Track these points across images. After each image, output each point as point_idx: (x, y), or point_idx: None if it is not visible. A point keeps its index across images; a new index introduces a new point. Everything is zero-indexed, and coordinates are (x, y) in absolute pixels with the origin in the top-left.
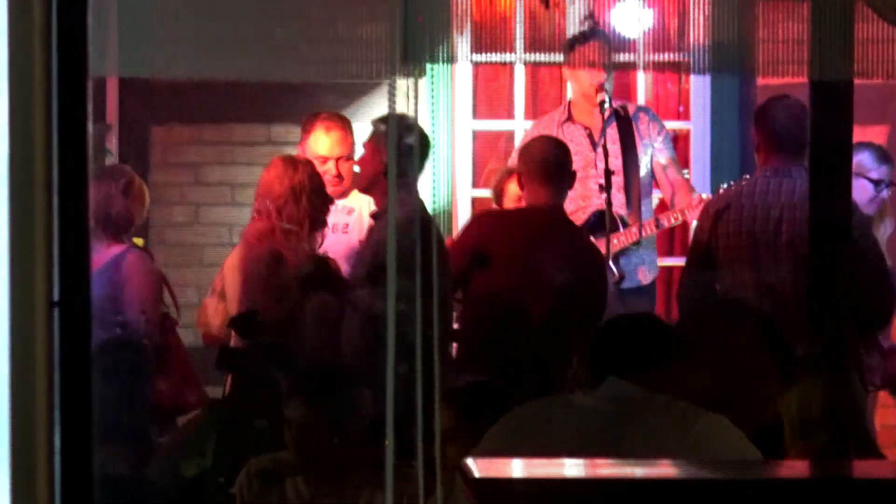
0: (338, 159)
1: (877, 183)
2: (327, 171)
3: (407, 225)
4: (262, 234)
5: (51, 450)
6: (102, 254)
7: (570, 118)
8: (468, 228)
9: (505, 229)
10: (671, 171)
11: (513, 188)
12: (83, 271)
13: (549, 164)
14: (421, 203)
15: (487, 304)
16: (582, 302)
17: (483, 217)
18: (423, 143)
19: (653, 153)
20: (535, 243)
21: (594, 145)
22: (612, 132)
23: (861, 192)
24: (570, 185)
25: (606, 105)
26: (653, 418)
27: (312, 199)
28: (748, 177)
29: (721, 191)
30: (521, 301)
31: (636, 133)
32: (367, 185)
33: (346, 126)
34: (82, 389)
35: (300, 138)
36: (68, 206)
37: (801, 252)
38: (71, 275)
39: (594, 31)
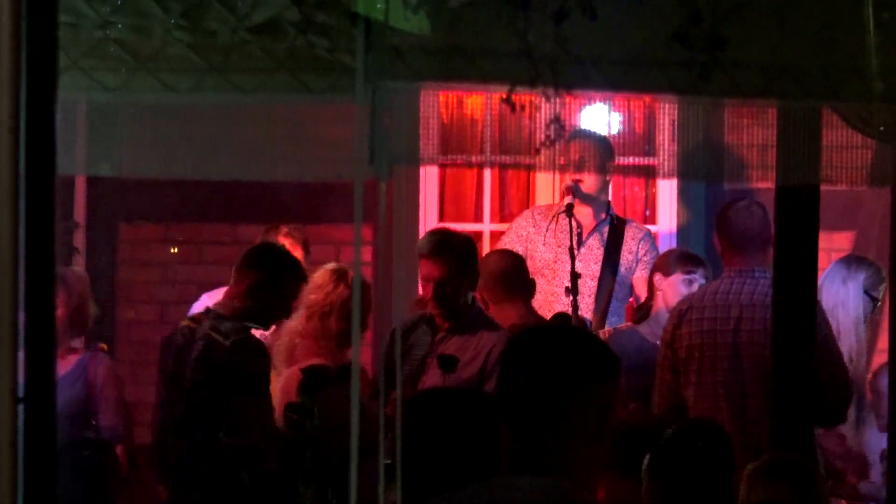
0: None
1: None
2: None
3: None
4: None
5: None
6: (65, 354)
7: (566, 211)
8: None
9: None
10: (645, 290)
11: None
12: (48, 368)
13: (508, 276)
14: None
15: None
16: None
17: None
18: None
19: (635, 268)
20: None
21: (579, 245)
22: (602, 239)
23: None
24: (532, 294)
25: (573, 208)
26: None
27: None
28: (713, 280)
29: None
30: None
31: (625, 245)
32: None
33: (303, 240)
34: (46, 487)
35: None
36: (34, 305)
37: (759, 351)
38: (36, 372)
39: (577, 130)
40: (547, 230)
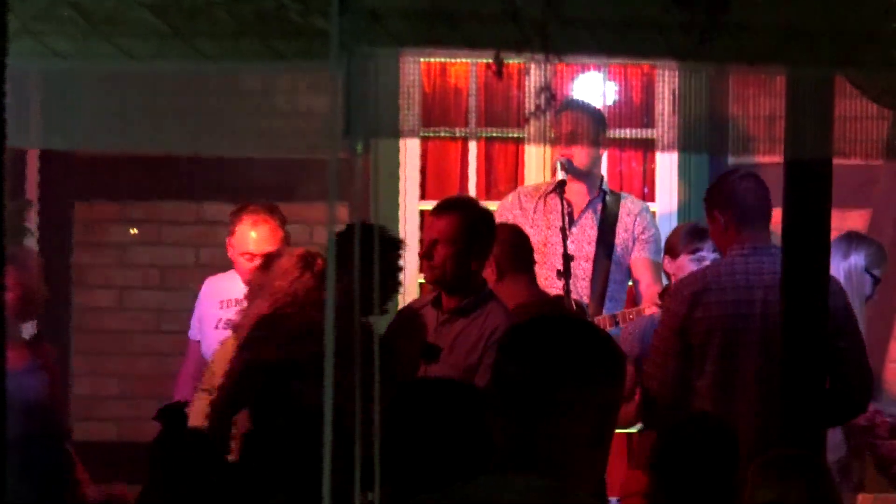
0: (268, 256)
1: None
2: None
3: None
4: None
5: None
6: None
7: (556, 189)
8: None
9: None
10: (646, 274)
11: None
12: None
13: (518, 249)
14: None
15: None
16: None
17: None
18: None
19: (632, 247)
20: None
21: (571, 224)
22: (595, 217)
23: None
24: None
25: (564, 185)
26: None
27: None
28: (720, 258)
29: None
30: None
31: (620, 222)
32: None
33: (275, 217)
34: None
35: (229, 231)
36: None
37: None
38: None
39: (567, 100)
40: (535, 211)
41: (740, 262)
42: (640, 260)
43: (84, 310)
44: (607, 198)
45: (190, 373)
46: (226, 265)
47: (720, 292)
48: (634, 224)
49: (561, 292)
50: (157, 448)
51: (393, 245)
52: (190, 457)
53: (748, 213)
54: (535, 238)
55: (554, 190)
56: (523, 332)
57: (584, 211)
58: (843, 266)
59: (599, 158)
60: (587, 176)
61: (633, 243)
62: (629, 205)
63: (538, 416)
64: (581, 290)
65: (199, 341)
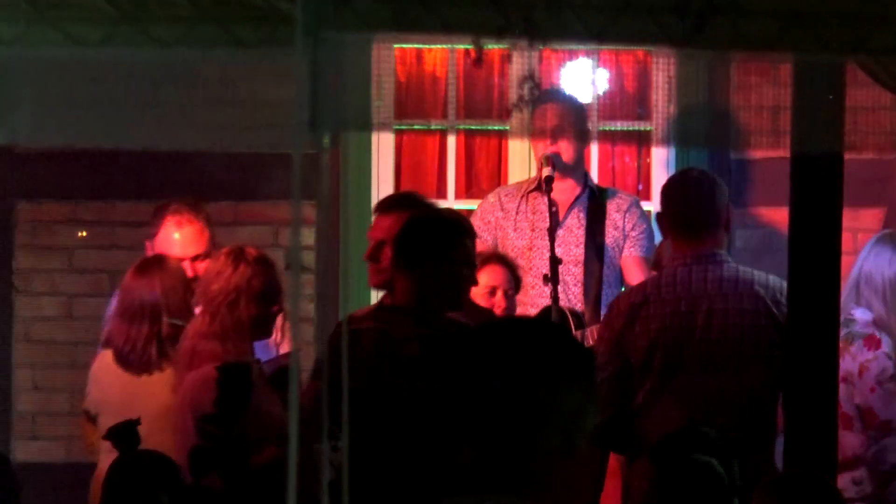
0: (193, 259)
1: None
2: None
3: None
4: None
5: None
6: None
7: (539, 188)
8: None
9: None
10: (638, 273)
11: (483, 279)
12: None
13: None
14: None
15: None
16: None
17: None
18: None
19: (623, 245)
20: None
21: (556, 224)
22: (581, 216)
23: None
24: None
25: (552, 181)
26: None
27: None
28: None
29: (630, 286)
30: None
31: (608, 219)
32: None
33: (202, 217)
34: None
35: (148, 233)
36: None
37: (738, 349)
38: None
39: (550, 93)
40: (517, 212)
41: (683, 271)
42: (630, 258)
43: (28, 319)
44: (594, 194)
45: None
46: None
47: (660, 304)
48: (624, 220)
49: (549, 300)
50: (114, 470)
51: (462, 231)
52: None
53: (688, 220)
54: (519, 242)
55: (537, 188)
56: (474, 340)
57: (569, 210)
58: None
59: (584, 153)
60: (573, 172)
61: (624, 241)
62: (617, 200)
63: (499, 426)
64: (573, 297)
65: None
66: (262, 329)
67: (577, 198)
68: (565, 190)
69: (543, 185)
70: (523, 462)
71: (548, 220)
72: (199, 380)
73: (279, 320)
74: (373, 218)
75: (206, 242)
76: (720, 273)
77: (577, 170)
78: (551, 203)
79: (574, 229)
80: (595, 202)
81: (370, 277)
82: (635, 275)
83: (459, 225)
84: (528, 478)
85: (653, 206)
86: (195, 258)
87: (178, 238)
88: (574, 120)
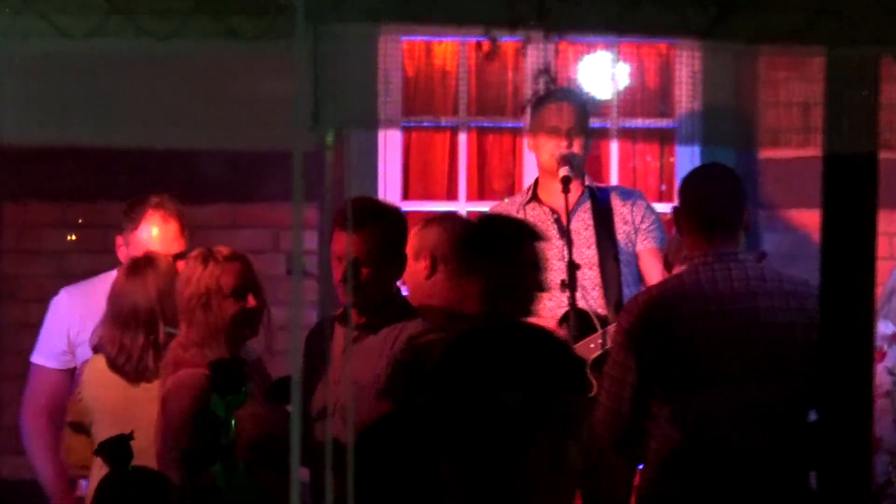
0: (175, 258)
1: None
2: None
3: None
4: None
5: None
6: None
7: (535, 198)
8: None
9: None
10: (655, 265)
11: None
12: None
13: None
14: None
15: None
16: None
17: None
18: None
19: (636, 239)
20: None
21: (562, 231)
22: (586, 217)
23: None
24: None
25: (570, 181)
26: None
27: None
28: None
29: (647, 287)
30: None
31: (616, 214)
32: None
33: (180, 214)
34: None
35: (123, 228)
36: None
37: (778, 353)
38: None
39: (561, 91)
40: None
41: (706, 271)
42: (646, 251)
43: (15, 327)
44: (595, 193)
45: (40, 407)
46: None
47: (686, 305)
48: (633, 213)
49: (567, 308)
50: (104, 488)
51: (531, 236)
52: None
53: (712, 217)
54: None
55: (533, 198)
56: (462, 346)
57: (573, 212)
58: None
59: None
60: (580, 173)
61: (636, 234)
62: (620, 195)
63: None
64: (593, 301)
65: (55, 368)
66: (243, 328)
67: (579, 199)
68: (570, 192)
69: (561, 186)
70: (523, 479)
71: (552, 227)
72: (177, 383)
73: (265, 318)
74: (337, 233)
75: (186, 239)
76: (747, 272)
77: (582, 170)
78: (551, 210)
79: (582, 231)
80: (597, 200)
81: (340, 296)
82: (654, 267)
83: (526, 227)
84: (528, 495)
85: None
86: (177, 256)
87: (159, 235)
88: (587, 119)
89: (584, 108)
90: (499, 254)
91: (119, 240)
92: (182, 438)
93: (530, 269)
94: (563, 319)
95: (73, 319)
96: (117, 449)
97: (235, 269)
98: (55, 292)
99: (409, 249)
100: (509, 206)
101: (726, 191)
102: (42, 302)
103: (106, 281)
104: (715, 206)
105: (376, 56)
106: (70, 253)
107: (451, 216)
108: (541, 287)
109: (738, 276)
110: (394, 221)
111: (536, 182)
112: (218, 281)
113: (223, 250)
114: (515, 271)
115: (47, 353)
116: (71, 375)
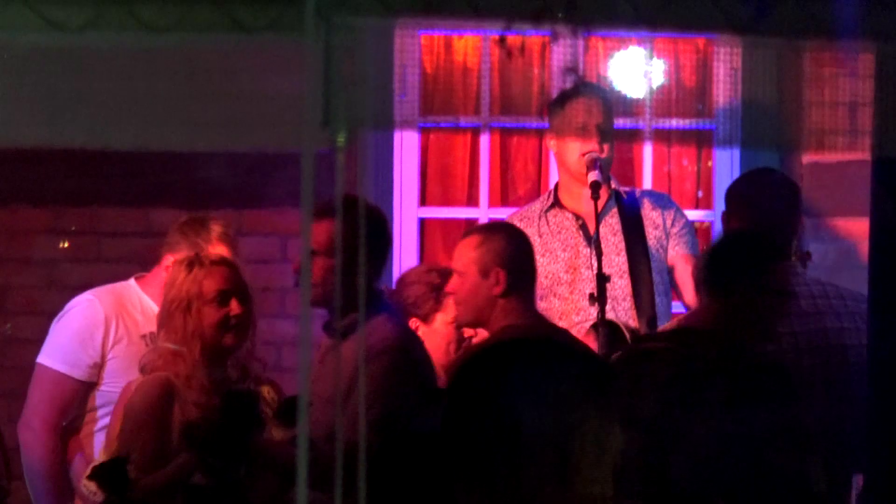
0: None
1: None
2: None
3: None
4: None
5: None
6: None
7: (556, 203)
8: None
9: None
10: (689, 273)
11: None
12: None
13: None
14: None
15: None
16: None
17: None
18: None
19: (667, 244)
20: None
21: (588, 239)
22: (614, 222)
23: None
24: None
25: (600, 185)
26: None
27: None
28: None
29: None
30: None
31: (645, 219)
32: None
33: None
34: None
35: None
36: None
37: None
38: None
39: (586, 87)
40: (540, 235)
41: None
42: (679, 257)
43: (4, 341)
44: (621, 197)
45: (53, 420)
46: None
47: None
48: (663, 217)
49: (595, 320)
50: None
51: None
52: None
53: (770, 226)
54: (552, 266)
55: (554, 204)
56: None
57: (599, 217)
58: None
59: None
60: (607, 176)
61: (667, 240)
62: (649, 198)
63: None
64: (623, 313)
65: (78, 379)
66: (223, 335)
67: (606, 203)
68: (599, 198)
69: (591, 192)
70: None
71: (577, 234)
72: (138, 389)
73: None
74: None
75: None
76: (809, 289)
77: (608, 173)
78: (575, 216)
79: (609, 237)
80: (624, 204)
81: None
82: (688, 274)
83: (774, 247)
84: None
85: (716, 214)
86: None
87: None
88: (613, 118)
89: (611, 105)
90: (743, 276)
91: (169, 258)
92: (134, 444)
93: (774, 294)
94: (592, 330)
95: (108, 329)
96: (113, 474)
97: (220, 274)
98: (45, 304)
99: (467, 264)
100: (528, 214)
101: (788, 197)
102: (32, 315)
103: (129, 290)
104: (776, 214)
105: (392, 51)
106: (62, 262)
107: (507, 225)
108: (783, 313)
109: (803, 293)
110: (370, 214)
111: (557, 186)
112: (200, 285)
113: (211, 256)
114: (758, 296)
115: (72, 362)
116: (89, 390)
